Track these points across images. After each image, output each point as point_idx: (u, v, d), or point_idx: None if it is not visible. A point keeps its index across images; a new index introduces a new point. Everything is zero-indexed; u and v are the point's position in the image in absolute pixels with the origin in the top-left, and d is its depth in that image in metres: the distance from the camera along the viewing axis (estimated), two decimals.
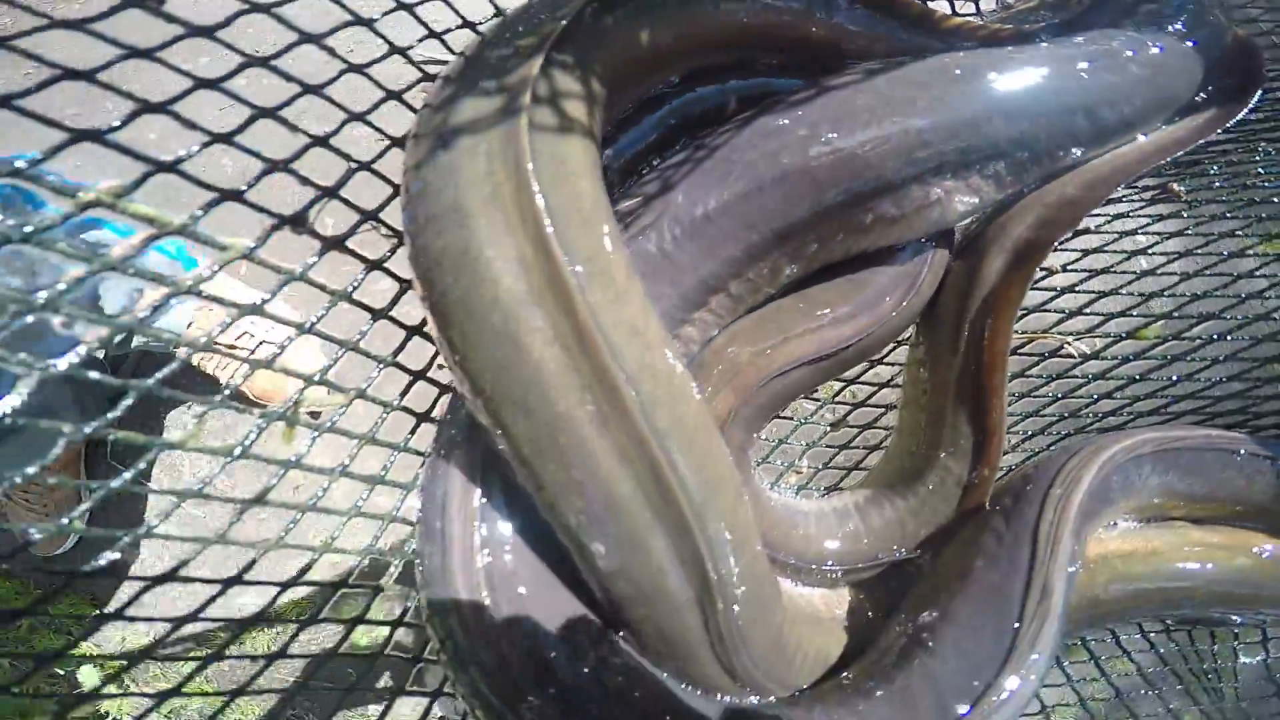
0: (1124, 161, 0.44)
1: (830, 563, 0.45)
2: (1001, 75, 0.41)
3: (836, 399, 0.54)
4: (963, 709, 0.38)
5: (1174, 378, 0.53)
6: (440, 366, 0.36)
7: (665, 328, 0.34)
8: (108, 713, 0.92)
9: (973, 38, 0.43)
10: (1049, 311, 0.55)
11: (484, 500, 0.35)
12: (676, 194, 0.38)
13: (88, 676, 0.86)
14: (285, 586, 0.35)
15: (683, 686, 0.37)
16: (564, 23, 0.32)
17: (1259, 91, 0.46)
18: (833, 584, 0.47)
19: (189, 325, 0.89)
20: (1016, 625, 0.40)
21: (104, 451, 1.01)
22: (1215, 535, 0.52)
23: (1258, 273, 0.54)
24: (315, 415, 0.97)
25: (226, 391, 0.31)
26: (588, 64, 0.32)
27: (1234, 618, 0.53)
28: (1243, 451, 0.49)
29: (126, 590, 0.97)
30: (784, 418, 0.50)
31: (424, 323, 0.38)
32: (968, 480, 0.45)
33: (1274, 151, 0.56)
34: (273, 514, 0.88)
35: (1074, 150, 0.43)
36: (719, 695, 0.38)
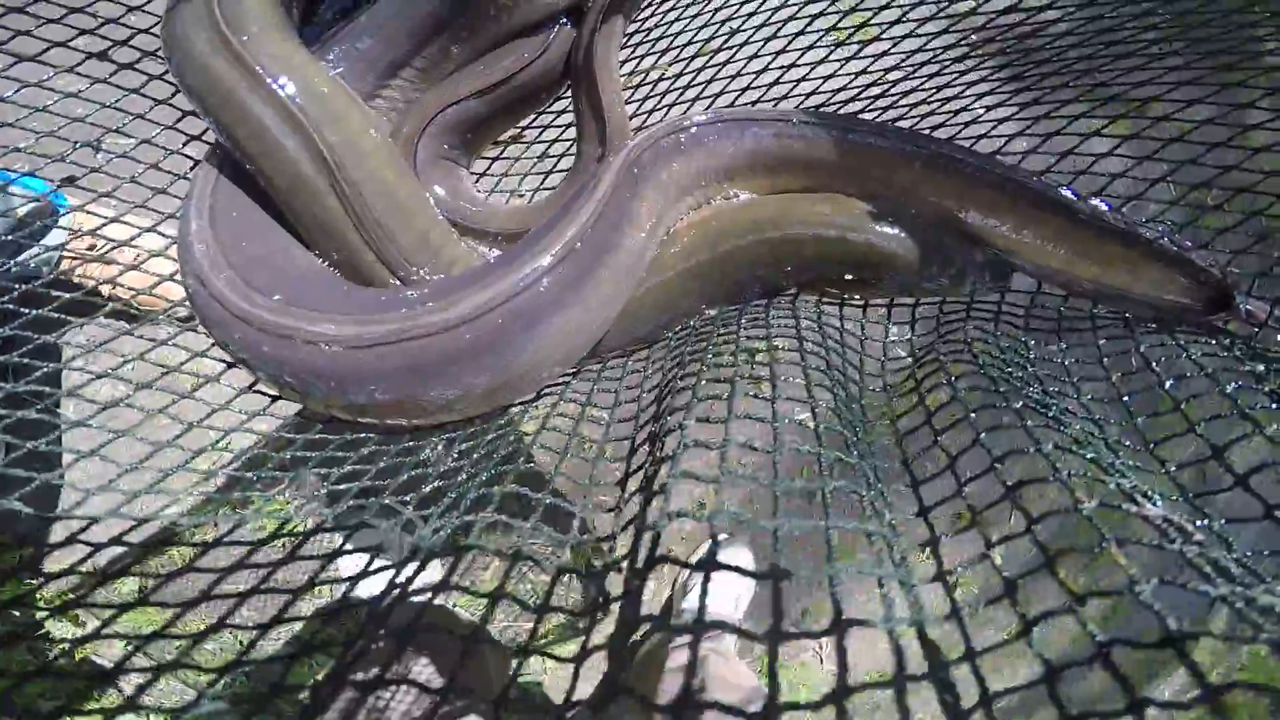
0: None
1: (520, 226, 0.68)
2: None
3: (539, 139, 0.79)
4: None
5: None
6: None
7: (313, 58, 0.59)
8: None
9: None
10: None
11: (219, 172, 0.58)
12: (361, 16, 0.67)
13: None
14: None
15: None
16: None
17: None
18: None
19: (63, 250, 0.95)
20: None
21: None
22: (811, 196, 0.65)
23: None
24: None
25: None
26: None
27: (848, 276, 0.63)
28: (793, 120, 0.63)
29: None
30: (506, 158, 0.76)
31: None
32: (599, 155, 0.69)
33: None
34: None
35: None
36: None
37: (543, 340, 0.52)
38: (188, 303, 0.55)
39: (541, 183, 0.76)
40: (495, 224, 0.67)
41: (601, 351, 0.64)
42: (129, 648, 0.34)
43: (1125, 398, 0.53)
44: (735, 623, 1.22)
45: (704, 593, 0.35)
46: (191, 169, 0.66)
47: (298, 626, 1.06)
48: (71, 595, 1.08)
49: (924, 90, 0.69)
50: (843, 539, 0.40)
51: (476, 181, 0.77)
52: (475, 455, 0.53)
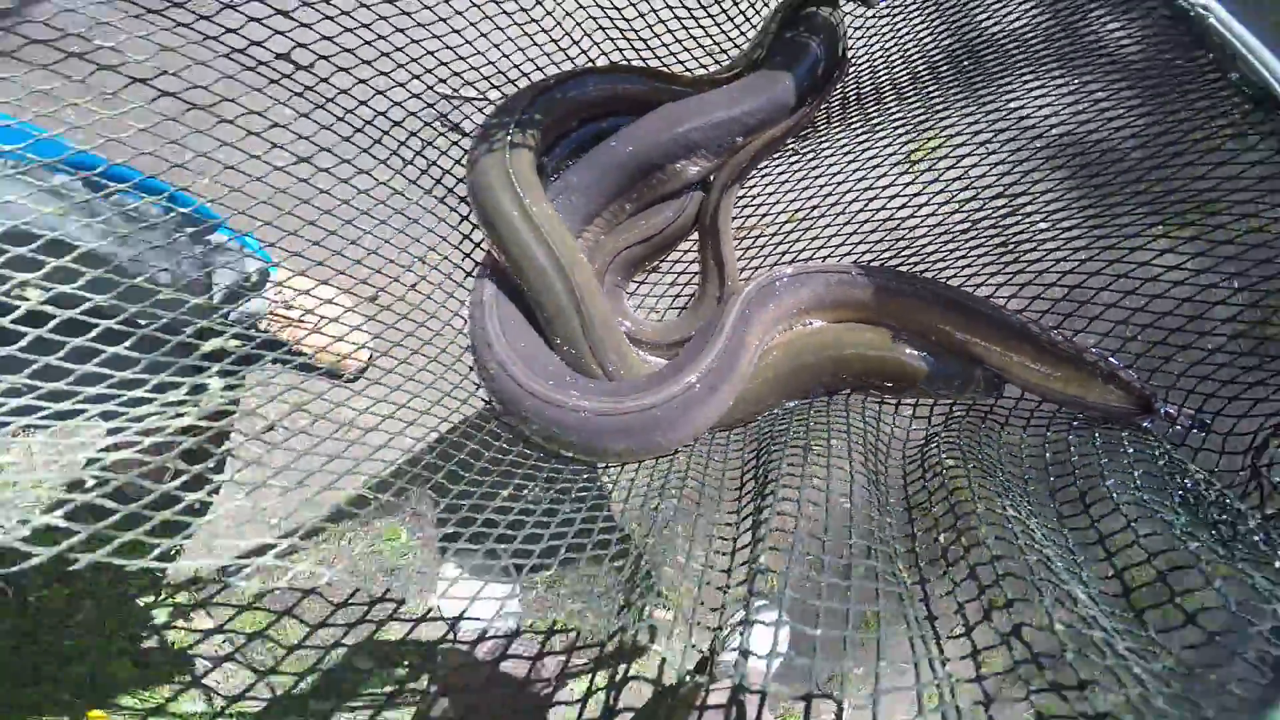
0: (759, 143, 1.02)
1: (660, 340, 0.99)
2: (698, 110, 0.99)
3: (669, 271, 1.10)
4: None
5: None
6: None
7: (567, 226, 0.90)
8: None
9: (697, 85, 1.03)
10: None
11: (497, 289, 0.89)
12: (573, 175, 0.97)
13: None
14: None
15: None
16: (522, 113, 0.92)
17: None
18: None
19: (268, 308, 1.19)
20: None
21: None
22: (862, 326, 0.96)
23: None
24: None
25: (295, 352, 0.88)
26: (533, 123, 0.92)
27: (885, 384, 0.91)
28: (851, 272, 0.91)
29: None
30: (648, 283, 1.06)
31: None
32: (719, 294, 1.00)
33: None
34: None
35: (737, 139, 1.01)
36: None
37: (688, 424, 0.82)
38: (477, 378, 0.86)
39: (671, 303, 1.07)
40: (646, 337, 0.97)
41: (716, 429, 0.95)
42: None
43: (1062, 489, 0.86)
44: (766, 681, 1.45)
45: (743, 650, 0.43)
46: (474, 274, 0.94)
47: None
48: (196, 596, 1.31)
49: (941, 252, 1.02)
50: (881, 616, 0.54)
51: (629, 301, 1.07)
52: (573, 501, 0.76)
